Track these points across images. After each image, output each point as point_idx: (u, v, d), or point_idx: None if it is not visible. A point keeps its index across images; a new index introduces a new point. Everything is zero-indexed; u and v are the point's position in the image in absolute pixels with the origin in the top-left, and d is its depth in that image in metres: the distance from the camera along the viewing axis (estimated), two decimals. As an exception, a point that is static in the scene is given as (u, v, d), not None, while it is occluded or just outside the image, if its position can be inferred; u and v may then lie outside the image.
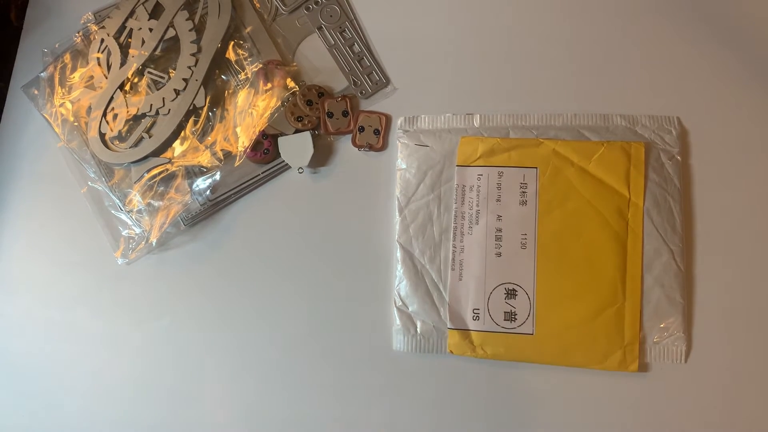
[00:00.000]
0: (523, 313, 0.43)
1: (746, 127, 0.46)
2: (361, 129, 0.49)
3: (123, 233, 0.49)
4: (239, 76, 0.51)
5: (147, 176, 0.49)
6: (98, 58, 0.51)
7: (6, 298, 0.50)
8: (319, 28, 0.52)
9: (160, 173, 0.49)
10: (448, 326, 0.44)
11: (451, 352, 0.44)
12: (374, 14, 0.52)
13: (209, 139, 0.49)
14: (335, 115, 0.49)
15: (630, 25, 0.49)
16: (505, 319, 0.43)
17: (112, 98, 0.50)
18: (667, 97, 0.47)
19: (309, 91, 0.49)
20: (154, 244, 0.48)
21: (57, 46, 0.53)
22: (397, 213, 0.47)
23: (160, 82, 0.50)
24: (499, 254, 0.44)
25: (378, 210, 0.48)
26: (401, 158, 0.48)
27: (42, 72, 0.52)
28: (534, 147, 0.46)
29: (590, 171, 0.45)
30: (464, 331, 0.44)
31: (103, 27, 0.52)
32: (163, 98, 0.49)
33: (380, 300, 0.46)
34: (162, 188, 0.49)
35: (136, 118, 0.50)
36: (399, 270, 0.46)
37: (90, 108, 0.50)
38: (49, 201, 0.52)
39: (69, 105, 0.51)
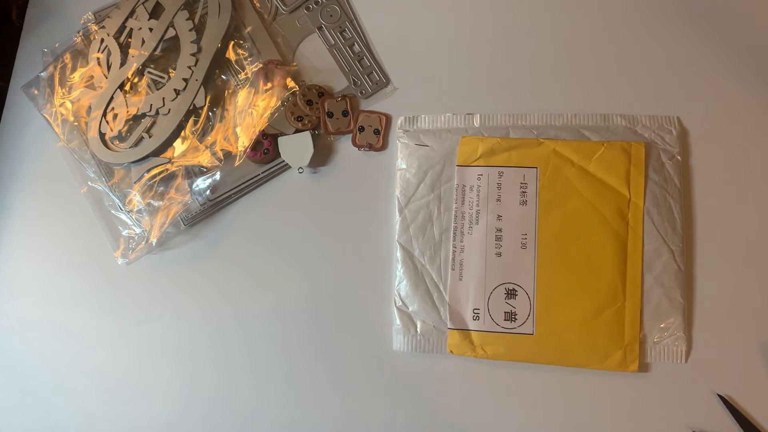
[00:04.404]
0: (523, 313, 0.43)
1: (746, 128, 0.46)
2: (361, 129, 0.49)
3: (123, 233, 0.49)
4: (239, 75, 0.51)
5: (147, 176, 0.49)
6: (98, 58, 0.51)
7: (6, 298, 0.50)
8: (319, 28, 0.52)
9: (160, 173, 0.49)
10: (448, 326, 0.44)
11: (451, 352, 0.44)
12: (374, 14, 0.52)
13: (209, 138, 0.49)
14: (335, 115, 0.49)
15: (630, 24, 0.49)
16: (505, 319, 0.43)
17: (112, 98, 0.50)
18: (667, 97, 0.47)
19: (309, 91, 0.49)
20: (154, 244, 0.48)
21: (57, 45, 0.53)
22: (397, 213, 0.47)
23: (160, 82, 0.50)
24: (499, 254, 0.44)
25: (378, 210, 0.48)
26: (401, 158, 0.48)
27: (42, 72, 0.52)
28: (534, 147, 0.46)
29: (590, 171, 0.45)
30: (464, 331, 0.44)
31: (103, 27, 0.52)
32: (163, 98, 0.49)
33: (380, 300, 0.46)
34: (162, 188, 0.49)
35: (136, 118, 0.50)
36: (399, 270, 0.46)
37: (90, 108, 0.50)
38: (49, 201, 0.52)
39: (69, 105, 0.51)
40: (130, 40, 0.51)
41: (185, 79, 0.49)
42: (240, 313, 0.47)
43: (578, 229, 0.44)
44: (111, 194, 0.50)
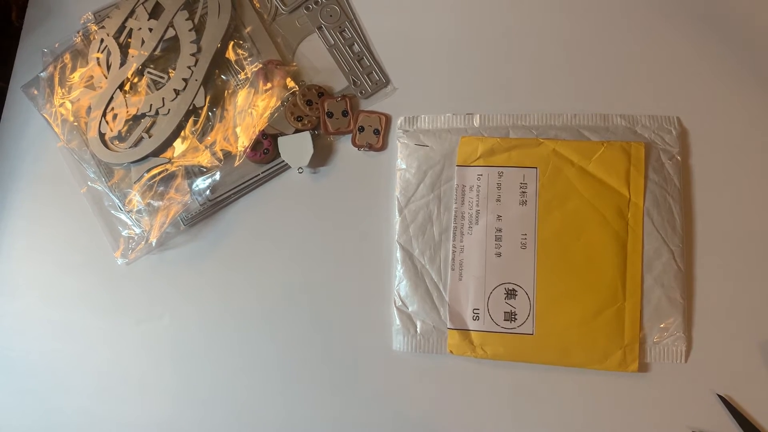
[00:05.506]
0: (523, 313, 0.43)
1: (746, 127, 0.46)
2: (361, 129, 0.49)
3: (123, 233, 0.49)
4: (239, 75, 0.51)
5: (147, 176, 0.49)
6: (98, 58, 0.51)
7: (7, 299, 0.50)
8: (319, 28, 0.52)
9: (159, 173, 0.49)
10: (448, 326, 0.44)
11: (451, 352, 0.44)
12: (374, 14, 0.52)
13: (209, 139, 0.49)
14: (335, 115, 0.49)
15: (630, 24, 0.49)
16: (505, 319, 0.43)
17: (111, 98, 0.50)
18: (667, 97, 0.47)
19: (309, 91, 0.49)
20: (153, 244, 0.48)
21: (57, 46, 0.53)
22: (397, 213, 0.47)
23: (160, 82, 0.50)
24: (499, 254, 0.44)
25: (378, 210, 0.48)
26: (401, 158, 0.48)
27: (42, 72, 0.52)
28: (534, 147, 0.46)
29: (590, 171, 0.45)
30: (464, 331, 0.44)
31: (102, 27, 0.52)
32: (163, 98, 0.49)
33: (380, 300, 0.46)
34: (162, 188, 0.49)
35: (136, 118, 0.50)
36: (399, 270, 0.46)
37: (90, 108, 0.51)
38: (49, 201, 0.52)
39: (69, 105, 0.51)
40: (129, 40, 0.51)
41: (185, 79, 0.49)
42: (239, 313, 0.47)
43: (578, 229, 0.44)
44: (111, 194, 0.50)
